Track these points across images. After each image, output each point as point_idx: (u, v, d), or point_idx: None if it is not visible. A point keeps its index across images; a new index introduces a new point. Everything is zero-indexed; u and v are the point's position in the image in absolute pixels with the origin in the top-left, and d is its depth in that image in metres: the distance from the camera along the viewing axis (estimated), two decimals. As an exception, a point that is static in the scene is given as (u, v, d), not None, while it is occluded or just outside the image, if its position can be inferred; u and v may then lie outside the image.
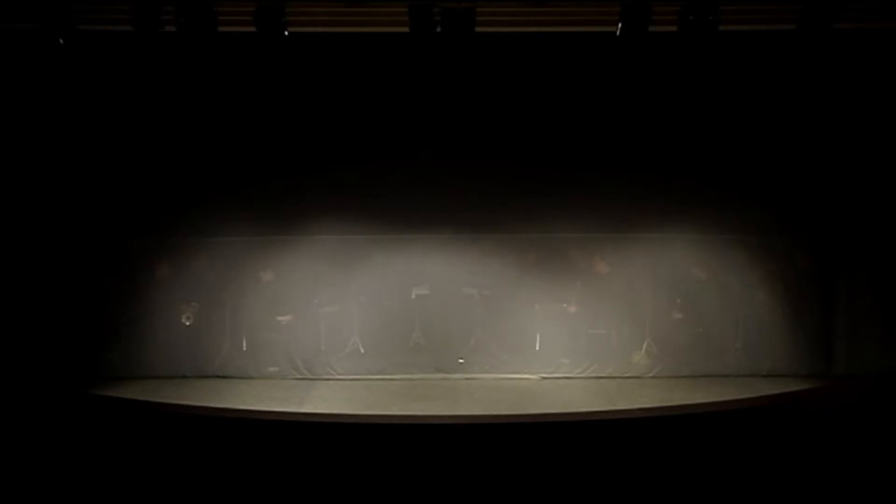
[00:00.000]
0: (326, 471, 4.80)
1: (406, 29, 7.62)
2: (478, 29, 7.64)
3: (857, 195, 9.33)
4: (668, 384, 9.18)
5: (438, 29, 7.59)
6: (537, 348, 9.67)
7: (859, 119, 9.14)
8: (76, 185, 9.30)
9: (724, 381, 9.20)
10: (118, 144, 9.33)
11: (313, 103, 9.32)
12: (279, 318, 9.67)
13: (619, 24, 7.64)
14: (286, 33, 7.68)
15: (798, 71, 8.91)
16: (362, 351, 9.63)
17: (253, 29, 7.66)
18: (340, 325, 9.66)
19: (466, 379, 9.46)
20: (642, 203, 9.48)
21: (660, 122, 9.35)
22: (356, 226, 9.62)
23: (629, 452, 4.81)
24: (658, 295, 9.63)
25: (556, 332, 9.64)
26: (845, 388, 8.10)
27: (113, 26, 7.85)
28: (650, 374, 9.48)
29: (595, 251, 9.74)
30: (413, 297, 9.79)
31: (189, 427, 5.15)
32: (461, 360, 9.62)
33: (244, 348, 9.66)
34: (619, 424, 5.20)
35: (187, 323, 9.56)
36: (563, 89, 9.29)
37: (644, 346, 9.57)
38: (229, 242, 9.65)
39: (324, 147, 9.44)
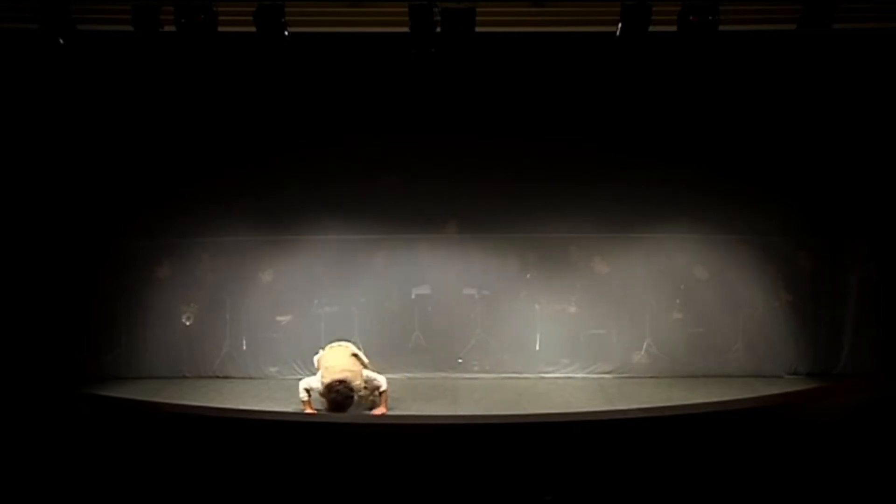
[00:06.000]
0: (326, 471, 4.79)
1: (406, 29, 7.63)
2: (478, 29, 7.64)
3: (857, 195, 9.33)
4: (668, 384, 9.18)
5: (438, 29, 7.60)
6: (537, 348, 9.67)
7: (859, 119, 9.14)
8: (76, 185, 9.32)
9: (724, 381, 9.19)
10: (118, 144, 9.35)
11: (313, 103, 9.32)
12: (279, 318, 9.67)
13: (619, 24, 7.64)
14: (286, 33, 7.68)
15: (798, 71, 8.92)
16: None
17: (253, 29, 7.66)
18: (340, 325, 9.66)
19: (466, 379, 9.46)
20: (642, 203, 9.49)
21: (660, 122, 9.37)
22: (356, 226, 9.62)
23: (629, 452, 4.80)
24: (658, 295, 9.63)
25: (556, 332, 9.64)
26: (846, 389, 8.09)
27: (113, 26, 7.85)
28: (650, 374, 9.47)
29: (595, 251, 9.74)
30: (413, 297, 9.80)
31: (189, 427, 5.15)
32: (460, 360, 9.62)
33: (244, 348, 9.65)
34: (619, 424, 5.19)
35: (187, 323, 9.56)
36: (563, 90, 9.30)
37: (644, 346, 9.57)
38: (229, 242, 9.65)
39: (324, 147, 9.46)
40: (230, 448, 4.93)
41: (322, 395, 7.51)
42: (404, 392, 8.93)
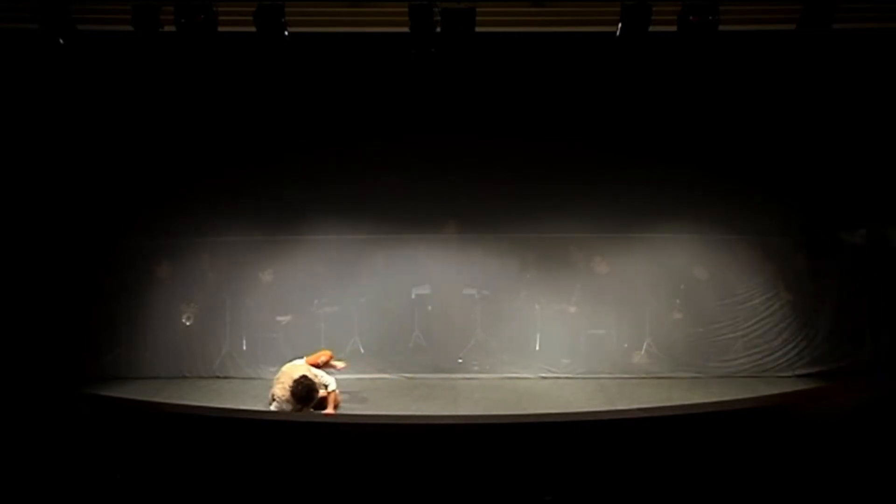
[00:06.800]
0: (326, 471, 4.79)
1: (406, 29, 7.63)
2: (478, 29, 7.64)
3: (857, 195, 9.33)
4: (668, 384, 9.18)
5: (438, 29, 7.60)
6: (537, 348, 9.67)
7: (859, 119, 9.14)
8: (77, 184, 9.32)
9: (724, 381, 9.20)
10: (118, 144, 9.35)
11: (313, 103, 9.33)
12: (279, 318, 9.68)
13: (619, 24, 7.64)
14: (286, 33, 7.68)
15: (798, 71, 8.92)
16: (362, 351, 9.63)
17: (253, 29, 7.67)
18: (340, 325, 9.66)
19: (466, 379, 9.46)
20: (642, 203, 9.49)
21: (660, 122, 9.37)
22: (356, 226, 9.63)
23: (629, 453, 4.80)
24: (658, 295, 9.63)
25: (556, 332, 9.64)
26: (846, 389, 8.09)
27: (113, 26, 7.85)
28: (650, 374, 9.47)
29: (595, 251, 9.74)
30: (413, 297, 9.80)
31: (189, 427, 5.15)
32: (460, 360, 9.62)
33: (244, 348, 9.66)
34: (619, 424, 5.19)
35: (187, 323, 9.56)
36: (563, 90, 9.30)
37: (644, 346, 9.57)
38: (229, 242, 9.66)
39: (324, 147, 9.46)
40: (230, 448, 4.94)
41: (290, 403, 7.57)
42: (404, 392, 8.94)
